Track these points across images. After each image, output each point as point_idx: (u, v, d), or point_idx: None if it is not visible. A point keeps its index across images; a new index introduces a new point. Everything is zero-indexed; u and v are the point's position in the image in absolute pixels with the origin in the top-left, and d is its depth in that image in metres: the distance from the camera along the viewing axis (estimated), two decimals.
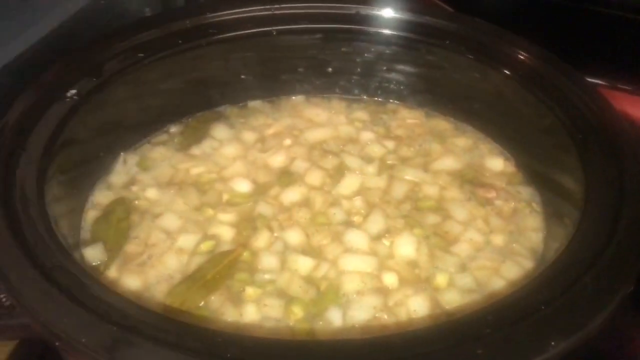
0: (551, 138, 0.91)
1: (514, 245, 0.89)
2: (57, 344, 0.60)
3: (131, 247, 0.87)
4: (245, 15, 1.07)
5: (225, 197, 0.95)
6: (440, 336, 0.59)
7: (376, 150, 1.05)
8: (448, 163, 1.02)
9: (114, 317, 0.60)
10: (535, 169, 0.99)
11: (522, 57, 0.99)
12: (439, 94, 1.12)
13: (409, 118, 1.12)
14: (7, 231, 0.69)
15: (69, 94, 0.89)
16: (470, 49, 1.03)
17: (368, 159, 1.02)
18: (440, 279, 0.83)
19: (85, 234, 0.90)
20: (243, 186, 0.97)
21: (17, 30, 1.00)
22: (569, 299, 0.62)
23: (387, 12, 1.08)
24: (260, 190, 0.96)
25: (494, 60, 1.00)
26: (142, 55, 0.99)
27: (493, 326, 0.59)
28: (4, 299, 1.00)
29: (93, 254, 0.86)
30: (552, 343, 0.57)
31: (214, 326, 0.75)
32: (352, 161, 1.02)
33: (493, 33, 1.03)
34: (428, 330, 0.64)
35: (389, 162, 1.03)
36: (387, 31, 1.09)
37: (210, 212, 0.92)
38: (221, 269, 0.83)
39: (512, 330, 0.59)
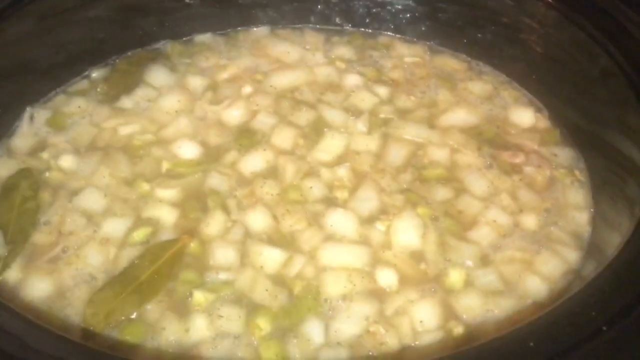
0: (603, 85, 0.83)
1: (552, 228, 0.82)
2: None
3: (40, 237, 0.80)
4: None
5: (165, 166, 0.88)
6: None
7: (365, 99, 0.96)
8: (460, 116, 0.94)
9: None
10: (578, 125, 0.91)
11: None
12: (447, 22, 1.01)
13: (407, 55, 1.03)
14: None
15: None
16: None
17: (355, 112, 0.94)
18: (455, 277, 0.76)
19: None
20: (189, 151, 0.89)
21: None
22: None
23: None
24: (211, 157, 0.89)
25: None
26: None
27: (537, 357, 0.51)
28: None
29: None
30: None
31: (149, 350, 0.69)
32: (333, 115, 0.93)
33: None
34: None
35: (382, 115, 0.94)
36: None
37: (145, 187, 0.85)
38: (160, 266, 0.76)
39: None
